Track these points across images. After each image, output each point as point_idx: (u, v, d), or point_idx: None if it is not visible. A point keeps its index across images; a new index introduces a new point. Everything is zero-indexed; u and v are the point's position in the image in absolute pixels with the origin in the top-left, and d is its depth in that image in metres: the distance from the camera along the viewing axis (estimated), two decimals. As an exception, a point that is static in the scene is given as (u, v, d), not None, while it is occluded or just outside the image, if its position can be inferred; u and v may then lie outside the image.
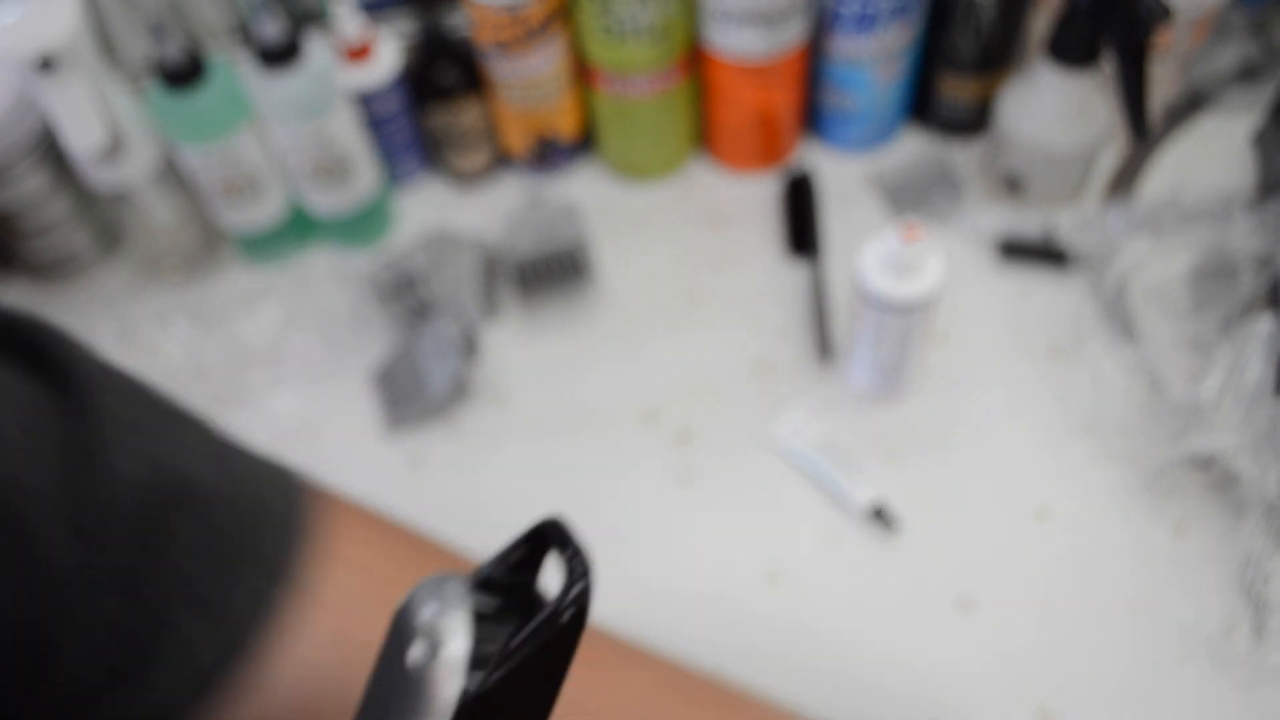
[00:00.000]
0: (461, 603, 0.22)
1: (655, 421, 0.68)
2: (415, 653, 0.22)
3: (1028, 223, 0.74)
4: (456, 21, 0.75)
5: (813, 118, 0.81)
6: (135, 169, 0.71)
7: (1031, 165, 0.72)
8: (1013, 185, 0.74)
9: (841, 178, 0.79)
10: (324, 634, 0.35)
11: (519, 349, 0.73)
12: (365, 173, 0.75)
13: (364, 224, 0.78)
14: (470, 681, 0.22)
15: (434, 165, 0.82)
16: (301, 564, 0.35)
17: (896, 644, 0.59)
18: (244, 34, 0.77)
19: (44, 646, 0.31)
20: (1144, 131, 0.65)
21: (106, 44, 0.75)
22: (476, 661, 0.22)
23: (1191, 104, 0.79)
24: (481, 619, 0.22)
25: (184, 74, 0.66)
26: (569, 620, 0.22)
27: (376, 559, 0.39)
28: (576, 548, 0.23)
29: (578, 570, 0.23)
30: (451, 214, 0.80)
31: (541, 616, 0.22)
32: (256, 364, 0.72)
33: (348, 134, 0.71)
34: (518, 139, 0.79)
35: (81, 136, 0.66)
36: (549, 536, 0.24)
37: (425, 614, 0.22)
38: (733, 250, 0.76)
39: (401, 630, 0.23)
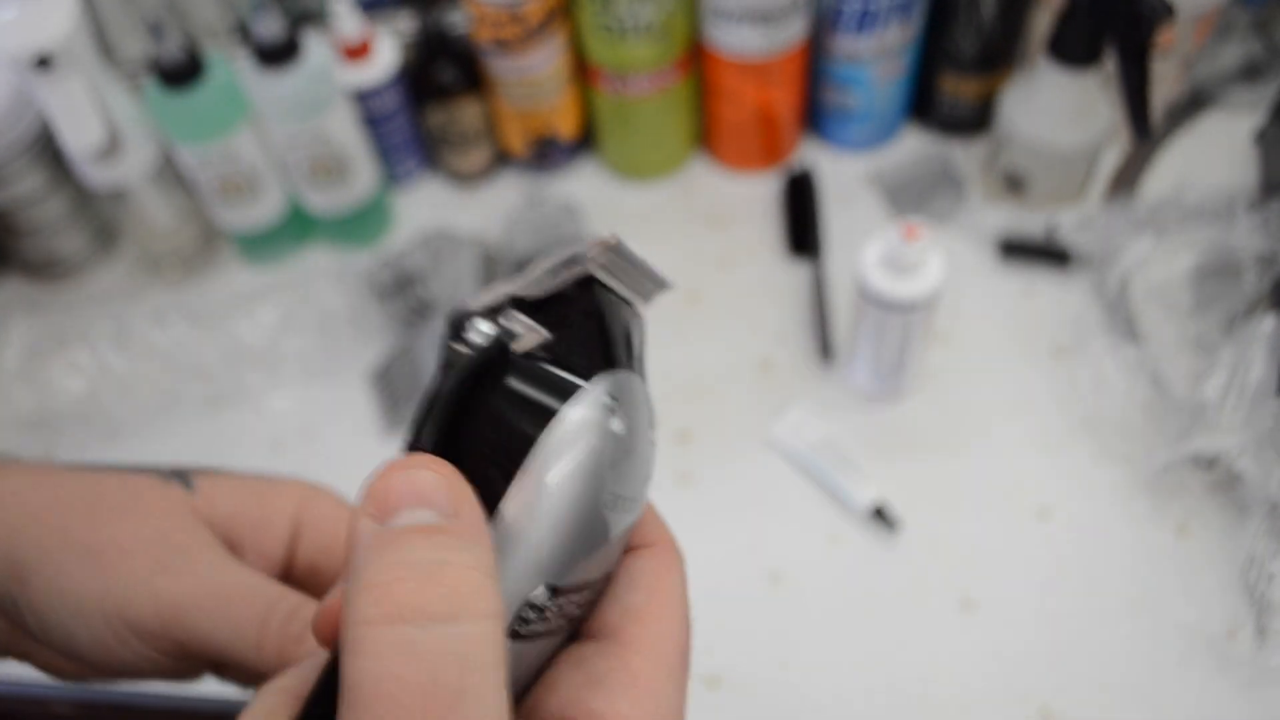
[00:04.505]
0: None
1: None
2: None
3: (1029, 222, 0.73)
4: (455, 19, 0.75)
5: (813, 116, 0.80)
6: (133, 168, 0.70)
7: (1033, 164, 0.71)
8: (1014, 184, 0.74)
9: (842, 177, 0.79)
10: None
11: (518, 348, 0.72)
12: (364, 172, 0.74)
13: (363, 223, 0.78)
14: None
15: (433, 164, 0.82)
16: None
17: (898, 644, 0.59)
18: (242, 33, 0.77)
19: None
20: (1146, 130, 0.65)
21: (104, 42, 0.75)
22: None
23: (1194, 103, 0.79)
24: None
25: (182, 73, 0.65)
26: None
27: None
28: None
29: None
30: (451, 213, 0.79)
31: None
32: (255, 364, 0.72)
33: (346, 133, 0.71)
34: (517, 138, 0.78)
35: (79, 135, 0.65)
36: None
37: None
38: (733, 250, 0.76)
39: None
